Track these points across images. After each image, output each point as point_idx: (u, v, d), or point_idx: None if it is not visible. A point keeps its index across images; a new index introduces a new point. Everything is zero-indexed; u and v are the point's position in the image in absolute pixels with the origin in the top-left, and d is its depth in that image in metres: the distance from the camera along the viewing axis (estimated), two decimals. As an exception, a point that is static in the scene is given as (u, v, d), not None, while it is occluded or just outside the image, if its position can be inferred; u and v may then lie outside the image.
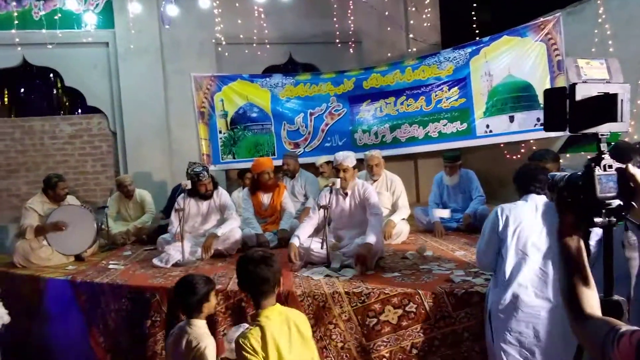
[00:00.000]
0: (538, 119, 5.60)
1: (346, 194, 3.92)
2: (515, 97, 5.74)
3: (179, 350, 2.59)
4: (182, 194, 4.67)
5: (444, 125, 6.14)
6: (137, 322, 3.66)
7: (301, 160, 6.05)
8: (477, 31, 5.99)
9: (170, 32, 6.92)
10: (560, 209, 1.29)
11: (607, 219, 1.27)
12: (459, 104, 6.03)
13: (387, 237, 4.46)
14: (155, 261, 4.32)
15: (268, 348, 2.06)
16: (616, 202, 1.26)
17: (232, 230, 4.55)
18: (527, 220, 2.56)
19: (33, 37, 6.57)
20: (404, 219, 4.69)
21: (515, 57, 5.71)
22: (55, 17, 6.60)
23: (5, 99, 6.88)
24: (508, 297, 2.50)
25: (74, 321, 4.10)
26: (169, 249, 4.36)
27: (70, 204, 5.04)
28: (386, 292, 3.05)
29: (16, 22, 6.46)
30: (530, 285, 2.48)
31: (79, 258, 4.85)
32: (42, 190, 5.03)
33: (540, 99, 5.62)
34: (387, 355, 2.99)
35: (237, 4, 6.70)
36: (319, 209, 3.69)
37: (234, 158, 7.00)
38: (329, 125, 6.68)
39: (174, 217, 4.68)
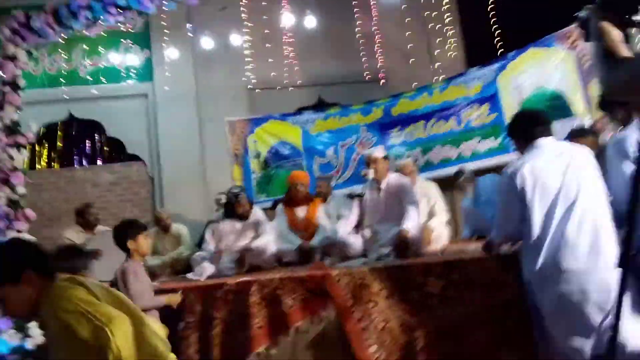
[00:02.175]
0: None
1: (380, 188, 3.82)
2: (547, 108, 5.63)
3: None
4: (218, 212, 4.67)
5: (477, 143, 6.04)
6: (170, 324, 3.53)
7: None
8: (502, 50, 6.05)
9: (204, 79, 7.31)
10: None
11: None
12: (491, 120, 5.96)
13: (426, 243, 4.26)
14: (190, 275, 4.25)
15: None
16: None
17: (267, 244, 4.47)
18: (545, 171, 2.34)
19: (78, 93, 7.04)
20: (442, 223, 4.50)
21: (544, 69, 5.68)
22: (99, 74, 7.10)
23: (45, 151, 7.27)
24: (541, 260, 2.26)
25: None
26: (204, 262, 4.29)
27: (105, 231, 5.12)
28: (427, 262, 2.87)
29: (63, 80, 6.97)
30: (564, 241, 2.24)
31: (113, 285, 4.81)
32: (75, 220, 5.20)
33: (573, 108, 5.52)
34: (434, 331, 2.75)
35: (267, 46, 7.02)
36: (353, 198, 3.60)
37: (267, 197, 7.01)
38: (360, 155, 6.68)
39: (208, 235, 4.65)
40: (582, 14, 1.38)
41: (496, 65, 6.00)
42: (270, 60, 7.11)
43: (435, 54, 7.26)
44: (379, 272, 2.92)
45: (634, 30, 1.21)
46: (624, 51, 1.17)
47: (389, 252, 3.40)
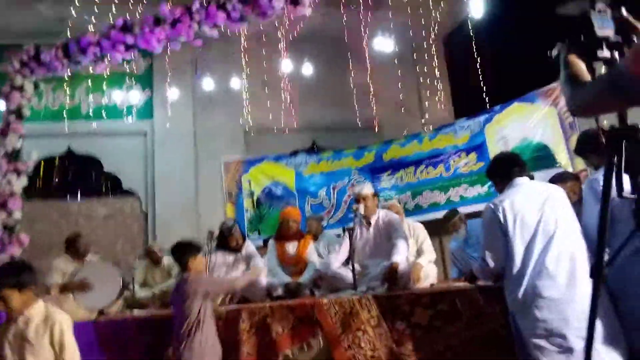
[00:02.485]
0: (557, 177, 5.68)
1: (369, 224, 3.95)
2: (533, 158, 5.88)
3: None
4: (209, 243, 4.75)
5: (465, 190, 6.25)
6: (159, 352, 3.54)
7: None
8: (488, 103, 6.39)
9: (203, 120, 7.55)
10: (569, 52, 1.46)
11: (609, 52, 1.41)
12: (478, 168, 6.19)
13: (416, 280, 4.34)
14: (180, 306, 4.27)
15: None
16: (615, 38, 1.42)
17: (257, 277, 4.52)
18: (524, 207, 2.53)
19: (79, 128, 7.22)
20: (430, 261, 4.60)
21: (529, 122, 5.97)
22: (101, 111, 7.31)
23: (42, 183, 7.36)
24: (522, 289, 2.41)
25: (95, 364, 3.96)
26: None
27: (95, 261, 5.16)
28: (415, 292, 2.97)
29: (65, 115, 7.15)
30: (544, 270, 2.39)
31: (102, 313, 4.80)
32: (65, 250, 5.22)
33: (558, 158, 5.77)
34: (422, 360, 2.82)
35: (265, 91, 7.31)
36: (344, 232, 3.72)
37: (259, 235, 7.10)
38: (351, 197, 6.84)
39: (201, 267, 4.71)
40: (555, 50, 1.59)
41: (483, 117, 6.30)
42: (267, 104, 7.39)
43: (426, 104, 7.59)
44: (368, 302, 3.01)
45: (599, 64, 1.41)
46: (587, 77, 1.36)
47: (378, 285, 3.49)
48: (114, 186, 7.47)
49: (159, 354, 3.54)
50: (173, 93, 7.21)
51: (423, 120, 7.62)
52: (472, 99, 6.99)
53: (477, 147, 6.26)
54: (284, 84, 7.23)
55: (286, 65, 6.93)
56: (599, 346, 2.24)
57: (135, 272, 5.84)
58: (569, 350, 2.24)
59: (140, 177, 7.39)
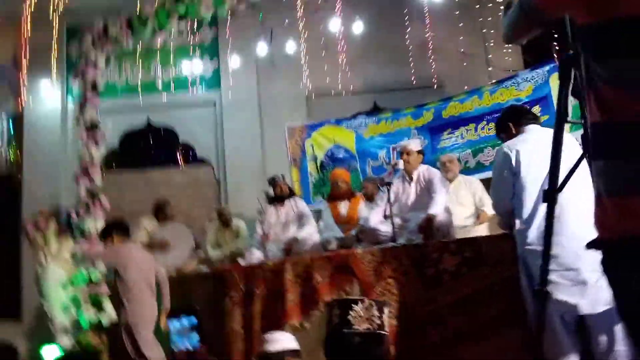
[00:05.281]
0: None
1: (411, 179, 4.01)
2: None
3: None
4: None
5: (528, 144, 5.99)
6: (218, 300, 3.92)
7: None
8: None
9: (266, 88, 7.83)
10: None
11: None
12: (542, 121, 5.85)
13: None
14: (240, 260, 4.66)
15: None
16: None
17: (311, 234, 4.79)
18: (536, 151, 2.49)
19: (154, 102, 7.80)
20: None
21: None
22: (173, 83, 7.83)
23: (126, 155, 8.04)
24: (534, 229, 2.41)
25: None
26: (252, 248, 4.69)
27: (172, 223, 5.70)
28: (443, 241, 3.04)
29: (142, 90, 7.75)
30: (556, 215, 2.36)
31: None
32: (153, 214, 5.81)
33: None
34: (451, 303, 2.91)
35: (323, 55, 7.37)
36: (382, 185, 3.82)
37: (323, 198, 7.32)
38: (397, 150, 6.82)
39: (257, 225, 5.06)
40: None
41: (548, 67, 5.95)
42: (326, 68, 7.47)
43: (491, 57, 7.27)
44: (399, 251, 3.13)
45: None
46: None
47: (416, 237, 3.58)
48: (189, 155, 8.04)
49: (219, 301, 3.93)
50: (236, 62, 7.51)
51: (488, 74, 7.30)
52: (543, 48, 6.57)
53: (541, 99, 5.94)
54: (341, 45, 7.25)
55: (342, 26, 6.95)
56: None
57: (207, 233, 6.35)
58: (582, 282, 2.25)
59: (211, 145, 7.88)
